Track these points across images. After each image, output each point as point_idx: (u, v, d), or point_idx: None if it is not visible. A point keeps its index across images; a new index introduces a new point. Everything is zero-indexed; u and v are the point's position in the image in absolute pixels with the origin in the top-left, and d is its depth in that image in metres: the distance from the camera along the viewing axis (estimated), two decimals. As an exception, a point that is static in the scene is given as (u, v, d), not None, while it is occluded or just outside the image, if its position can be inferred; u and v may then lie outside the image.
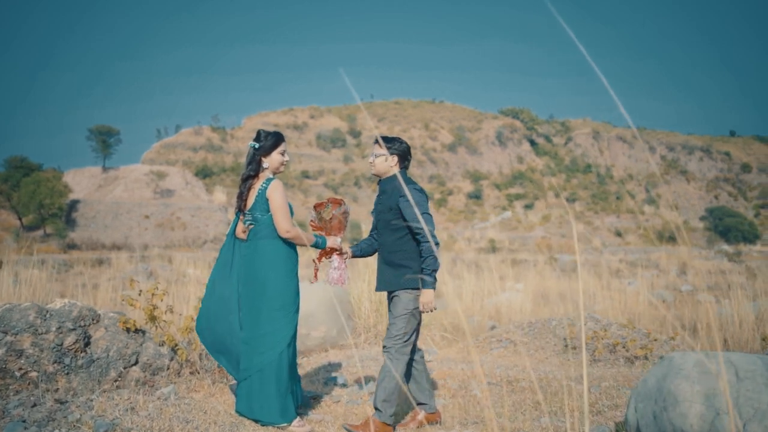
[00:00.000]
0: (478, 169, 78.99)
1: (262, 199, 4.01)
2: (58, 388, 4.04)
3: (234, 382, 4.41)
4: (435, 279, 3.88)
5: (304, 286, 4.91)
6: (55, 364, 4.10)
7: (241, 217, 4.12)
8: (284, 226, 3.96)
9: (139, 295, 4.75)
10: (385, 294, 5.28)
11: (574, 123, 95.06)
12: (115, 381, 4.28)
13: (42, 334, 4.12)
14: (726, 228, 67.00)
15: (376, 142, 4.06)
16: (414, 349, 4.07)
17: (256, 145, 4.10)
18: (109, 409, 3.73)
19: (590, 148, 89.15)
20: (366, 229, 41.34)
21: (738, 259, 27.37)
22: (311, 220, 4.23)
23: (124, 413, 3.72)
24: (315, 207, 4.24)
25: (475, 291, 10.16)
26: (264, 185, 4.03)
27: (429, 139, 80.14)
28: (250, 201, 4.06)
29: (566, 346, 6.47)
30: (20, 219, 45.21)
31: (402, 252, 3.96)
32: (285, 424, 3.94)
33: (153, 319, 4.63)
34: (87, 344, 4.29)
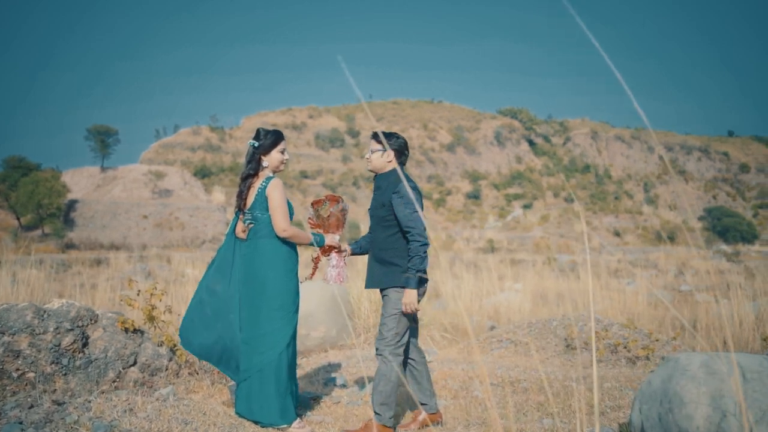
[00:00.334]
0: (476, 169, 79.04)
1: (262, 198, 3.97)
2: (55, 389, 3.99)
3: (233, 383, 4.37)
4: (420, 279, 3.74)
5: (303, 286, 4.88)
6: (53, 365, 4.05)
7: (240, 216, 4.08)
8: (281, 224, 3.92)
9: (138, 295, 4.72)
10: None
11: (572, 123, 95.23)
12: (114, 382, 4.24)
13: (39, 334, 4.07)
14: (724, 228, 67.11)
15: (373, 137, 4.00)
16: (408, 349, 4.01)
17: (256, 144, 4.06)
18: (108, 411, 3.69)
19: (589, 148, 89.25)
20: (364, 228, 41.33)
21: (736, 259, 27.33)
22: (309, 218, 4.17)
23: (123, 414, 3.68)
24: (312, 204, 4.19)
25: (474, 291, 10.13)
26: (264, 184, 3.99)
27: (427, 139, 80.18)
28: (250, 200, 4.01)
29: (567, 346, 6.44)
30: (18, 219, 45.18)
31: (393, 249, 3.86)
32: (285, 426, 3.90)
33: (151, 319, 4.59)
34: (85, 345, 4.25)
